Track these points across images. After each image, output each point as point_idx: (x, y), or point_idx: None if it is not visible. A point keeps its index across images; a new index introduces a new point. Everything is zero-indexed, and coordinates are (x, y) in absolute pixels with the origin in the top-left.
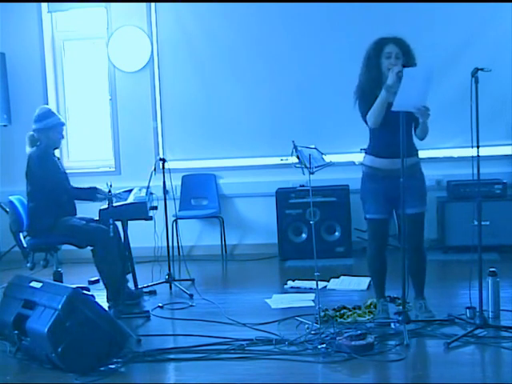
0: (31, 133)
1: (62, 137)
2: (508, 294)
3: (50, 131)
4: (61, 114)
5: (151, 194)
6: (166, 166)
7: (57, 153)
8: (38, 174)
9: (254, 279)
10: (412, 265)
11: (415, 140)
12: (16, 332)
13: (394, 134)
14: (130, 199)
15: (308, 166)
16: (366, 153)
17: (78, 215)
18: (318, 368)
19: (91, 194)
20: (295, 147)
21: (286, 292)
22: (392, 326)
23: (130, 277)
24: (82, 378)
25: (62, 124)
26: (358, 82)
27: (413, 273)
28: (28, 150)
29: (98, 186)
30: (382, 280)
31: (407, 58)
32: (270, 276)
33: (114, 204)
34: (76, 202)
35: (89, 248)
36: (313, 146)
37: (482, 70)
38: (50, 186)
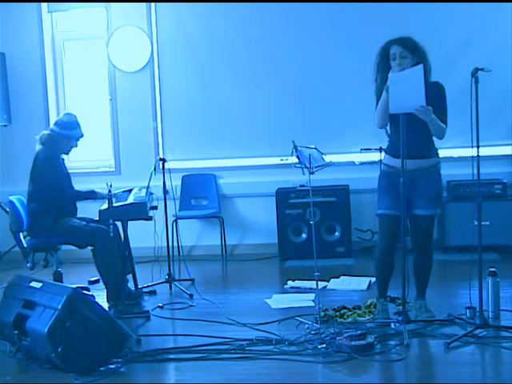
0: (48, 132)
1: (76, 146)
2: (508, 293)
3: (70, 141)
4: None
5: (151, 194)
6: (166, 166)
7: None
8: (43, 174)
9: (254, 279)
10: (417, 266)
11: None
12: (16, 332)
13: (412, 135)
14: (130, 199)
15: (308, 166)
16: (385, 152)
17: (78, 215)
18: (318, 368)
19: (90, 195)
20: (295, 147)
21: (286, 292)
22: (392, 325)
23: (130, 277)
24: (81, 377)
25: (82, 136)
26: (375, 86)
27: (417, 273)
28: (38, 147)
29: (95, 190)
30: (387, 280)
31: (416, 55)
32: (270, 276)
33: (114, 204)
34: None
35: (89, 248)
36: (313, 146)
37: (482, 69)
38: (51, 187)
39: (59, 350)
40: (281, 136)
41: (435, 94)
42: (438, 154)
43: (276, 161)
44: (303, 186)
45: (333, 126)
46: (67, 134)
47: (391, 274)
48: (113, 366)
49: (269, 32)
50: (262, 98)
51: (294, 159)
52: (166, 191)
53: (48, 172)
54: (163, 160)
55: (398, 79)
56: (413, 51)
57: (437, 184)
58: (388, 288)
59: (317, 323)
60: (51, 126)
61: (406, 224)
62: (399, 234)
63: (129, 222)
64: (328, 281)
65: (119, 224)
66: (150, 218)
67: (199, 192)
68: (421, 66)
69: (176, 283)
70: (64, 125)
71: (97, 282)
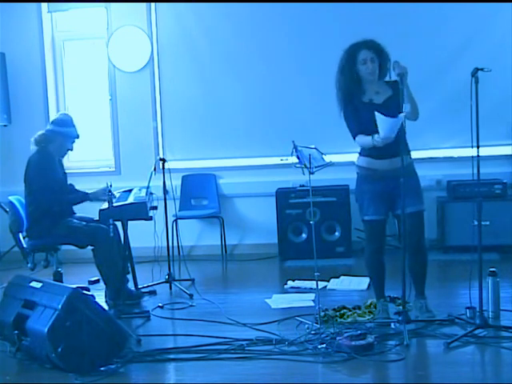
0: (42, 132)
1: (72, 149)
2: (508, 293)
3: (65, 139)
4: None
5: (151, 194)
6: (166, 166)
7: None
8: (34, 183)
9: (254, 279)
10: (413, 264)
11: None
12: (16, 332)
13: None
14: (130, 199)
15: (308, 166)
16: (360, 154)
17: (78, 215)
18: (317, 368)
19: (84, 199)
20: (295, 147)
21: (286, 292)
22: (392, 325)
23: (130, 277)
24: (81, 377)
25: (77, 137)
26: (336, 91)
27: (414, 272)
28: (32, 148)
29: (88, 192)
30: (382, 281)
31: (382, 58)
32: (269, 276)
33: (114, 204)
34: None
35: (89, 248)
36: (313, 146)
37: (482, 69)
38: (43, 195)
39: (59, 350)
40: (281, 136)
41: (398, 90)
42: (410, 153)
43: (276, 161)
44: (303, 185)
45: (333, 126)
46: (62, 130)
47: (384, 274)
48: (113, 366)
49: (269, 32)
50: (262, 98)
51: (294, 159)
52: (166, 191)
53: (38, 182)
54: (163, 160)
55: (380, 120)
56: (380, 54)
57: (417, 180)
58: (384, 288)
59: (317, 323)
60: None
61: (399, 224)
62: (385, 237)
63: (129, 222)
64: (328, 281)
65: (119, 224)
66: (150, 218)
67: (199, 192)
68: (401, 118)
69: (176, 283)
70: (59, 122)
71: (97, 282)
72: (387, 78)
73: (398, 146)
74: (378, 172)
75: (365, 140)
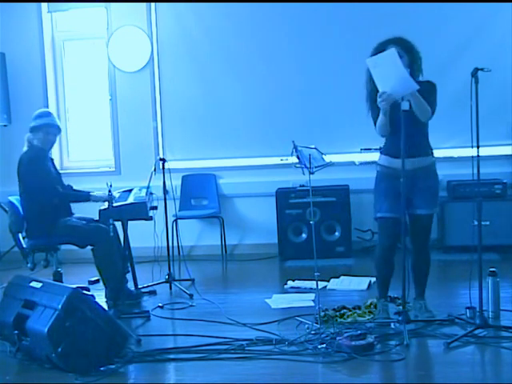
0: (28, 134)
1: (54, 140)
2: (508, 294)
3: (41, 130)
4: (61, 115)
5: (151, 194)
6: (166, 166)
7: (55, 153)
8: (27, 178)
9: (254, 279)
10: (415, 265)
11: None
12: (16, 332)
13: (409, 134)
14: (130, 199)
15: (308, 166)
16: (381, 152)
17: (78, 215)
18: (317, 368)
19: (84, 197)
20: (295, 147)
21: (286, 292)
22: (392, 326)
23: (130, 277)
24: (81, 377)
25: (55, 126)
26: (365, 91)
27: (416, 273)
28: (25, 149)
29: (91, 194)
30: (388, 281)
31: (411, 54)
32: (270, 276)
33: (114, 204)
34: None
35: (89, 248)
36: (313, 146)
37: (482, 69)
38: (36, 191)
39: (59, 349)
40: (281, 136)
41: (425, 90)
42: (433, 153)
43: (276, 161)
44: (303, 185)
45: (333, 126)
46: (42, 122)
47: (392, 274)
48: (113, 366)
49: (269, 32)
50: (261, 98)
51: (294, 159)
52: (166, 191)
53: (31, 176)
54: (163, 160)
55: (373, 63)
56: (408, 51)
57: (435, 183)
58: (389, 288)
59: (317, 323)
60: None
61: (406, 224)
62: (399, 235)
63: (129, 222)
64: (328, 281)
65: (119, 224)
66: (150, 218)
67: (199, 192)
68: (393, 50)
69: (176, 283)
70: (37, 115)
71: (97, 282)
72: (420, 78)
73: (417, 146)
74: (398, 171)
75: (379, 119)
